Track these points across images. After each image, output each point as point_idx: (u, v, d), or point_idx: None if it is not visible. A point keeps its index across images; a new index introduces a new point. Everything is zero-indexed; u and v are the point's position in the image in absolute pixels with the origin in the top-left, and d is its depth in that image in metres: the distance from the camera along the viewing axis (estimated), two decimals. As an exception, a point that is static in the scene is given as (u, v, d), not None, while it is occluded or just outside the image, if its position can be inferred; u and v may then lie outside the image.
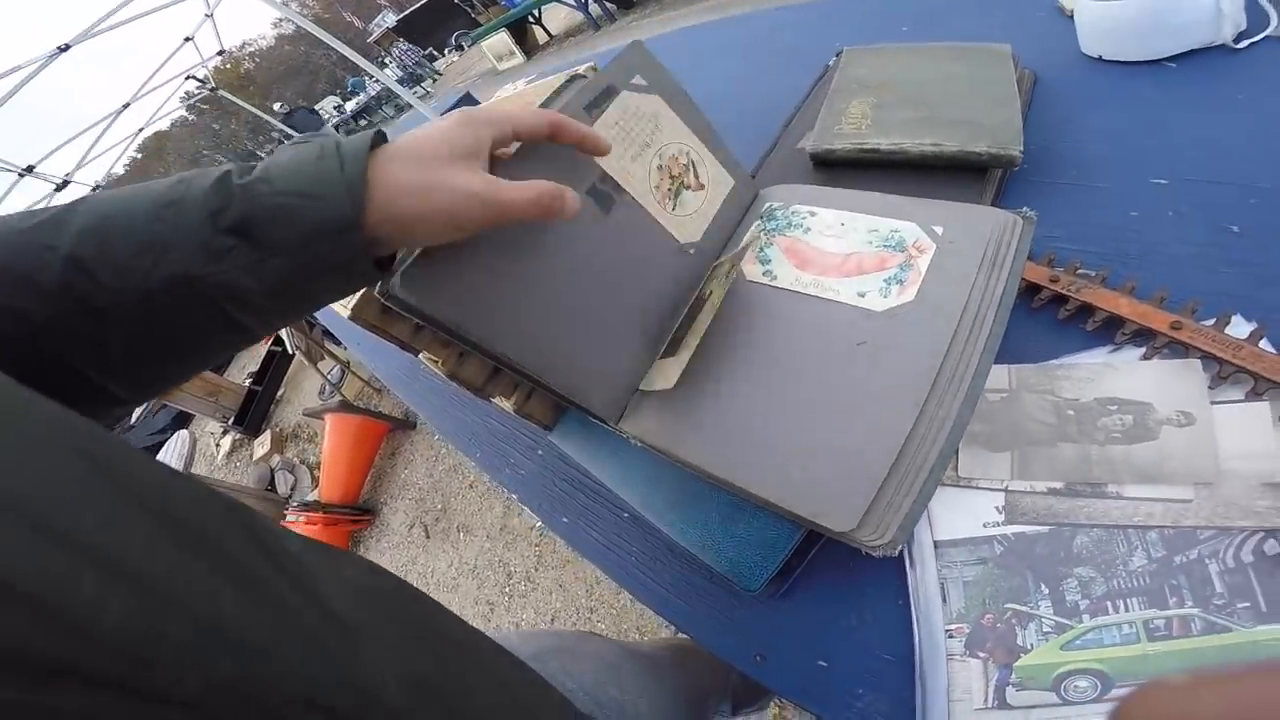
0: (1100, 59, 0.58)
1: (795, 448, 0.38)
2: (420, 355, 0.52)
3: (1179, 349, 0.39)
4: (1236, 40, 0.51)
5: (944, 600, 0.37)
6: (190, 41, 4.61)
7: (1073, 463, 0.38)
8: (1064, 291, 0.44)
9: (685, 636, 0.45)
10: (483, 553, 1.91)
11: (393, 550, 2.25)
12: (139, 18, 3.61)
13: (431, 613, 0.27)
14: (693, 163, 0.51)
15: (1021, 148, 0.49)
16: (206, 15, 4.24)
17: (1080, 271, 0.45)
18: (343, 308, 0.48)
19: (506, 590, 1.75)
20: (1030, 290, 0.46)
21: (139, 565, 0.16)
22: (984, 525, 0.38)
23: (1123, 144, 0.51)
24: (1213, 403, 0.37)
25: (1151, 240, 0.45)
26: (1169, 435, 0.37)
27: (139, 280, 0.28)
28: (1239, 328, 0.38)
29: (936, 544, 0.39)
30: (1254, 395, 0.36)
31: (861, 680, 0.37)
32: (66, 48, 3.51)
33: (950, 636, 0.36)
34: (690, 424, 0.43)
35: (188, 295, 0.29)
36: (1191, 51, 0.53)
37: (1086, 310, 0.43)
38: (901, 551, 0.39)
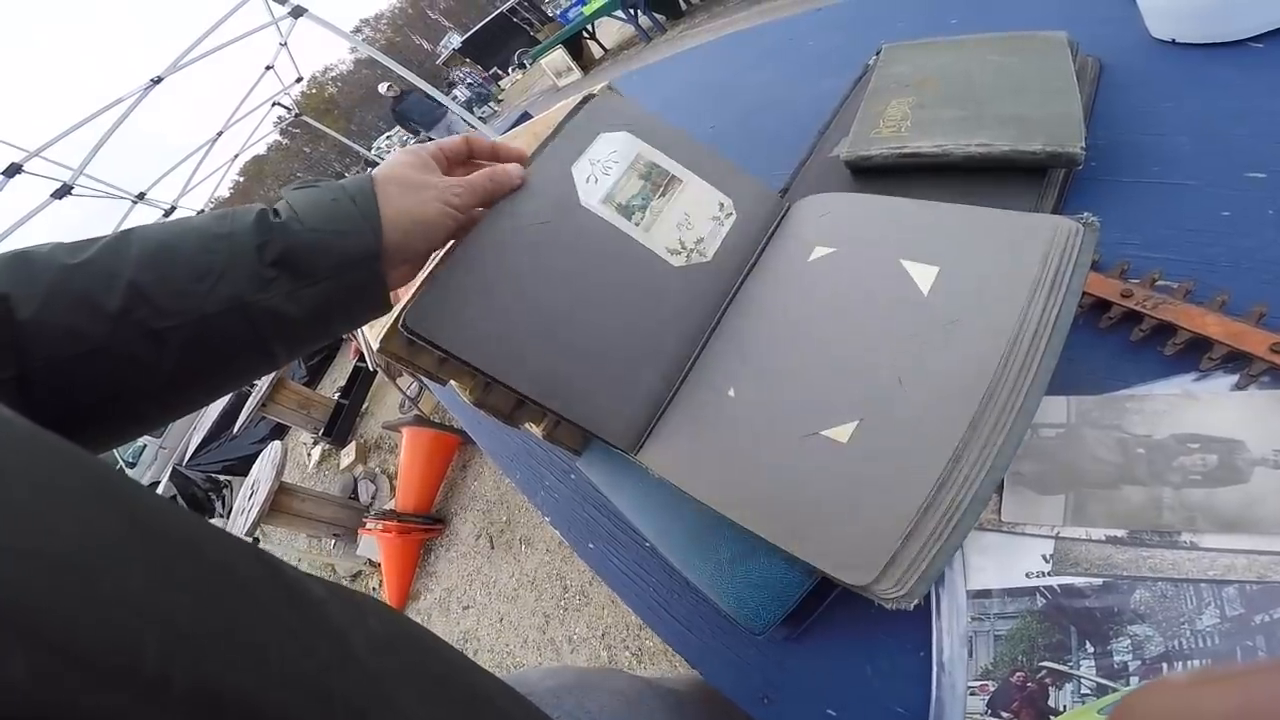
0: (1173, 42, 0.51)
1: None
2: (450, 383, 0.53)
3: (1280, 376, 0.33)
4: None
5: (970, 654, 0.33)
6: (271, 70, 5.02)
7: (1139, 508, 0.33)
8: (1138, 308, 0.38)
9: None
10: (542, 565, 1.95)
11: (460, 560, 2.34)
12: (221, 49, 4.01)
13: (451, 659, 0.27)
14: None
15: (1084, 143, 0.43)
16: (281, 44, 4.61)
17: (1159, 284, 0.39)
18: (374, 339, 0.50)
19: (562, 603, 1.77)
20: (1098, 307, 0.40)
21: (191, 626, 0.16)
22: (1027, 575, 0.34)
23: (1208, 135, 0.44)
24: (1324, 441, 0.31)
25: (1247, 245, 0.38)
26: (1262, 478, 0.31)
27: (196, 304, 0.31)
28: (1362, 350, 0.32)
29: (970, 593, 0.34)
30: (1379, 433, 0.30)
31: (872, 735, 0.34)
32: (159, 80, 3.93)
33: (973, 694, 0.32)
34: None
35: (236, 320, 0.32)
36: (1278, 30, 0.45)
37: (1165, 330, 0.37)
38: (929, 601, 0.35)
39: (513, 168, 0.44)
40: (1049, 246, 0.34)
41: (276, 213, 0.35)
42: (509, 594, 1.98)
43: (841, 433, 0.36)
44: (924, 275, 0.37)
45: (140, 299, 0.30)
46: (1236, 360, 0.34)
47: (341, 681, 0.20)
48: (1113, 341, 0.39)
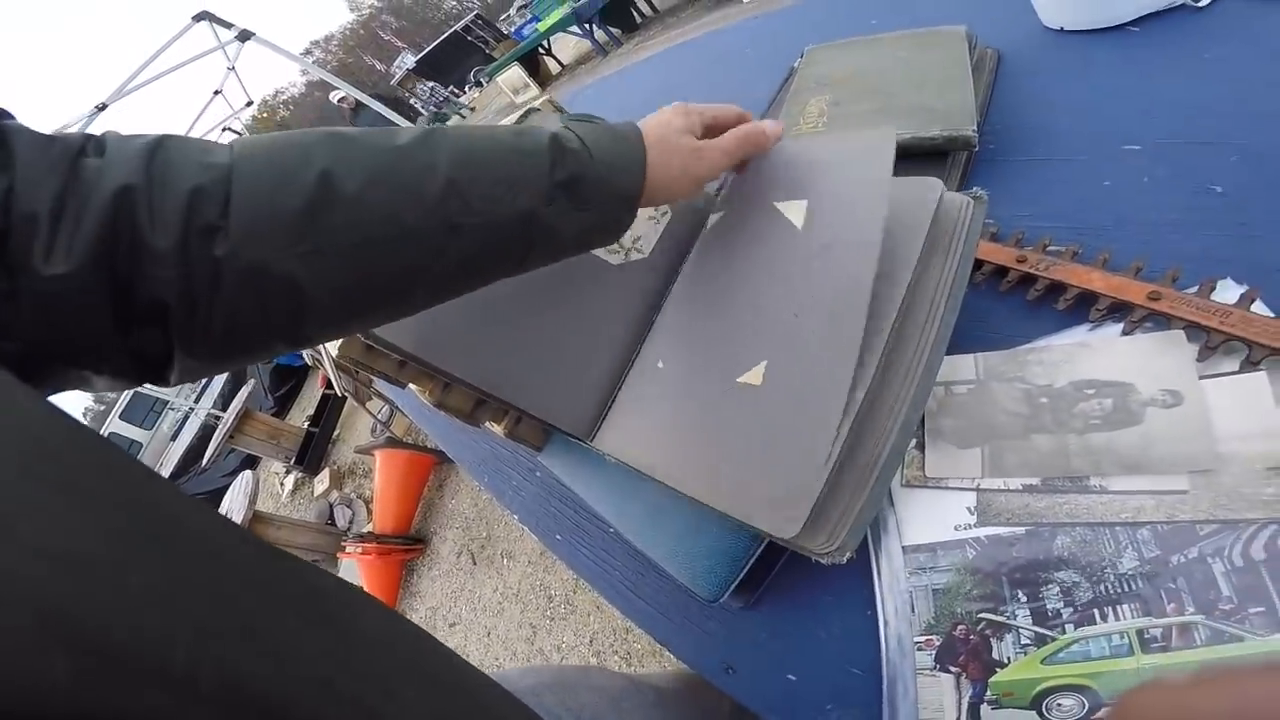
0: (1062, 30, 0.56)
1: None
2: (409, 386, 0.55)
3: (1160, 321, 0.37)
4: (1197, -1, 0.49)
5: (912, 610, 0.35)
6: (220, 95, 4.88)
7: (1049, 455, 0.36)
8: (1032, 271, 0.42)
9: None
10: (525, 577, 1.94)
11: (443, 578, 2.30)
12: (168, 73, 3.90)
13: (444, 655, 0.27)
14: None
15: (974, 128, 0.47)
16: (229, 68, 4.49)
17: (1050, 249, 0.43)
18: (333, 346, 0.51)
19: (548, 613, 1.77)
20: (998, 273, 0.44)
21: (214, 624, 0.16)
22: (955, 528, 0.36)
23: (1091, 114, 0.49)
24: (1202, 378, 0.34)
25: (1126, 210, 0.43)
26: (1154, 418, 0.34)
27: (497, 208, 0.33)
28: (1228, 292, 0.36)
29: (905, 549, 0.37)
30: (1249, 365, 0.33)
31: (830, 696, 0.36)
32: (104, 106, 3.80)
33: (920, 649, 0.34)
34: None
35: (521, 228, 0.34)
36: (1153, 14, 0.50)
37: (1057, 289, 0.41)
38: (869, 560, 0.37)
39: (769, 125, 0.43)
40: (937, 214, 0.37)
41: (569, 138, 0.36)
42: (494, 608, 1.96)
43: (755, 375, 0.38)
44: (796, 211, 0.40)
45: (456, 194, 0.32)
46: (1121, 310, 0.38)
47: (348, 675, 0.20)
48: (1012, 302, 0.43)
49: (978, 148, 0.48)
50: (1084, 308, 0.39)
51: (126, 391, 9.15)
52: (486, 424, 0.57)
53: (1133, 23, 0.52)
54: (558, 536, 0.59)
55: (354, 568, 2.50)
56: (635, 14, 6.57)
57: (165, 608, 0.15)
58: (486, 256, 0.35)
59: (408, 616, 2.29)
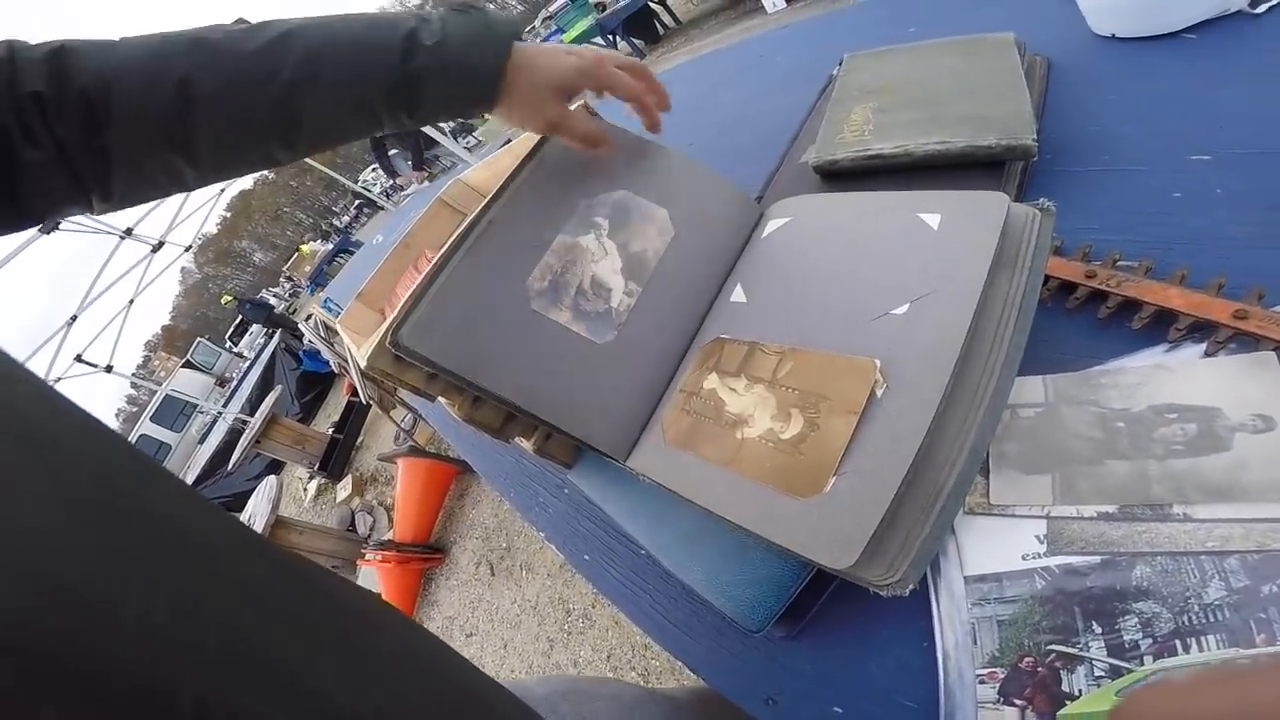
0: (1114, 37, 0.53)
1: None
2: (439, 399, 0.54)
3: (1247, 342, 0.34)
4: (1253, 5, 0.47)
5: (975, 642, 0.33)
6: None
7: (1127, 482, 0.33)
8: (1103, 287, 0.39)
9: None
10: (544, 590, 1.92)
11: (461, 588, 2.30)
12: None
13: (467, 677, 0.27)
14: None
15: (1035, 136, 0.45)
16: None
17: (1120, 264, 0.40)
18: (361, 359, 0.50)
19: (565, 627, 1.75)
20: (1065, 289, 0.42)
21: (223, 653, 0.15)
22: (1023, 557, 0.34)
23: (1153, 122, 0.46)
24: (1297, 402, 0.31)
25: (1200, 223, 0.40)
26: (1244, 443, 0.32)
27: (336, 102, 0.39)
28: (1321, 312, 0.33)
29: (967, 580, 0.35)
30: (1350, 390, 0.31)
31: (883, 730, 0.34)
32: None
33: (982, 682, 0.32)
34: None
35: (362, 116, 0.40)
36: (1209, 22, 0.48)
37: (1131, 306, 0.38)
38: (927, 590, 0.35)
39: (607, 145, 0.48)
40: (1005, 224, 0.35)
41: (429, 29, 0.40)
42: (512, 620, 1.95)
43: None
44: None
45: (297, 92, 0.38)
46: (1202, 330, 0.35)
47: (367, 700, 0.19)
48: (1082, 320, 0.40)
49: (1036, 158, 0.46)
50: (1161, 327, 0.37)
51: (158, 395, 9.46)
52: (516, 440, 0.56)
53: (1188, 30, 0.49)
54: (586, 556, 0.57)
55: (373, 575, 2.50)
56: (658, 25, 6.63)
57: (167, 639, 0.14)
58: (336, 130, 0.41)
59: (425, 626, 2.28)
